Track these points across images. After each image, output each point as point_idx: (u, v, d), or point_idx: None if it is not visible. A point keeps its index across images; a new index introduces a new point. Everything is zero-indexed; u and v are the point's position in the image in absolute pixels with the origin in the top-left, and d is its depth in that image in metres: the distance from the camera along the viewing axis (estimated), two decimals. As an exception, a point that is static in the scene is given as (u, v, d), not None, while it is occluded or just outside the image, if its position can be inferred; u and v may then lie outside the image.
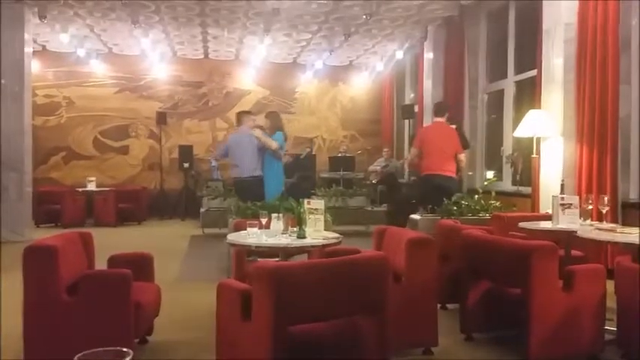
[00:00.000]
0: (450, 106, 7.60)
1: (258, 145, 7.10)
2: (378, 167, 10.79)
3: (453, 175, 6.87)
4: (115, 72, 12.33)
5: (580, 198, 4.32)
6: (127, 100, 12.44)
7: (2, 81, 8.53)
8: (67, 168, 12.16)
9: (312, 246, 3.64)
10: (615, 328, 3.60)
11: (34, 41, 10.47)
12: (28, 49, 9.08)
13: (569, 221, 4.14)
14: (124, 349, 1.14)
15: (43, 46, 11.50)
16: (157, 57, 11.79)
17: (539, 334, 3.29)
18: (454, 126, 7.35)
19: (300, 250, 3.78)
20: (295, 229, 3.70)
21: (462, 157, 7.05)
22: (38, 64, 11.39)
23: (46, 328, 3.18)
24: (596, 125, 5.79)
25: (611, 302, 3.65)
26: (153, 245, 7.64)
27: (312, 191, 9.71)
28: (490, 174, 8.83)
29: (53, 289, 3.15)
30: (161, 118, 12.22)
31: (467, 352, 3.71)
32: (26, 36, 8.92)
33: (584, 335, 3.44)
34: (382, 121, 13.11)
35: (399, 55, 11.06)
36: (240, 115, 7.63)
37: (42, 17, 8.87)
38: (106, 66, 12.23)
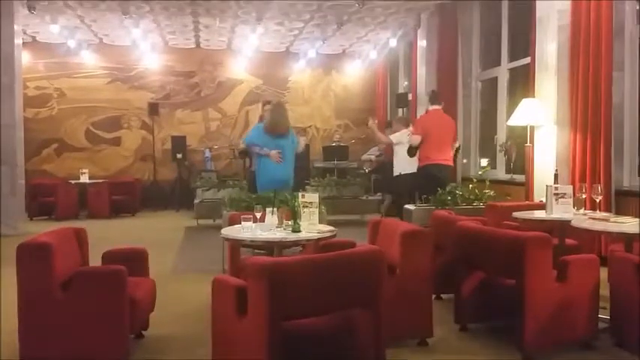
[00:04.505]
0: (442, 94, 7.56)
1: None
2: (372, 156, 10.75)
3: (451, 164, 6.90)
4: (106, 63, 12.20)
5: (574, 187, 4.34)
6: (118, 91, 12.33)
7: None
8: (59, 160, 12.08)
9: (307, 240, 3.63)
10: (608, 316, 3.64)
11: (24, 32, 10.36)
12: (18, 41, 8.98)
13: (562, 211, 4.16)
14: None
15: (33, 38, 11.37)
16: (148, 47, 11.67)
17: (534, 324, 3.31)
18: None
19: (295, 244, 3.78)
20: (290, 222, 3.69)
21: (456, 144, 7.07)
22: (28, 56, 11.29)
23: (41, 324, 3.17)
24: (589, 113, 5.78)
25: (605, 290, 3.68)
26: (147, 237, 7.68)
27: (307, 181, 9.70)
28: (484, 162, 8.84)
29: (48, 286, 3.14)
30: (153, 108, 12.14)
31: (462, 343, 3.73)
32: (16, 27, 8.81)
33: (578, 324, 3.46)
34: (376, 109, 13.07)
35: (393, 43, 11.01)
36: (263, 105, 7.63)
37: (31, 8, 8.73)
38: (97, 57, 12.11)
